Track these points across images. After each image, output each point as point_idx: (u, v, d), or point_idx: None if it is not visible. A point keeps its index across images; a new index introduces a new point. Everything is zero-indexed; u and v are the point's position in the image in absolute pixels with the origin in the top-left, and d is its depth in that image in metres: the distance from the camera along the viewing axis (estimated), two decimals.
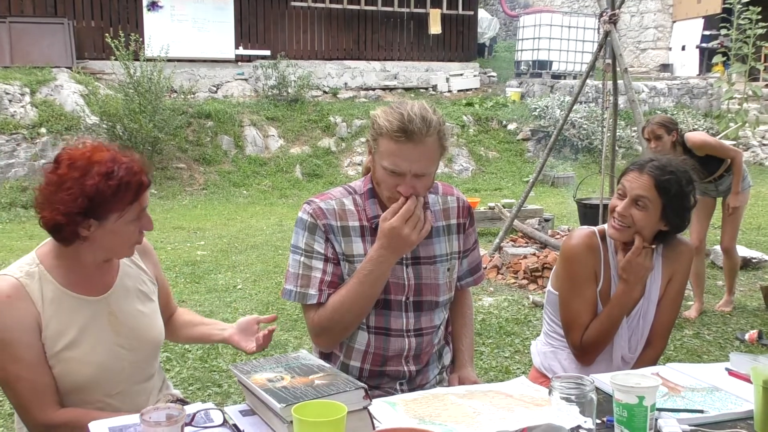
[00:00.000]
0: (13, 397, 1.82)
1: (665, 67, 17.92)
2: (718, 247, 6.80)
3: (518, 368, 4.29)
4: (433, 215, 2.14)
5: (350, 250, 2.06)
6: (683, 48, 17.78)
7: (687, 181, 2.24)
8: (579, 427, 1.57)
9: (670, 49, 18.22)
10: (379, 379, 2.14)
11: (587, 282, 2.33)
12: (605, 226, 2.39)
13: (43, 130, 10.98)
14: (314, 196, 2.15)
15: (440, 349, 2.25)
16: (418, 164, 1.92)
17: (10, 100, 11.15)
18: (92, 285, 1.90)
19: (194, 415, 1.63)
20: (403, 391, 2.13)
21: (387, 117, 1.91)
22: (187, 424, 1.53)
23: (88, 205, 1.74)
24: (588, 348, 2.33)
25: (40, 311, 1.80)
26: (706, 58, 16.47)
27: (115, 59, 11.37)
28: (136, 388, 1.97)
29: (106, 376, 1.88)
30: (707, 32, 16.39)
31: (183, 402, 1.85)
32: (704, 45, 16.64)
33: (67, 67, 12.47)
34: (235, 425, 1.63)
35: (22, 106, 11.20)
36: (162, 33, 13.21)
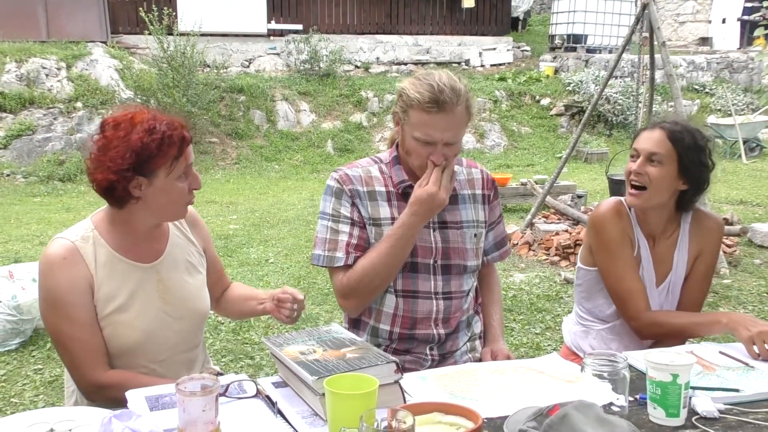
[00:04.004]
0: (66, 356, 1.87)
1: (704, 41, 17.51)
2: (756, 225, 6.70)
3: (549, 345, 4.28)
4: (459, 184, 2.18)
5: (377, 214, 2.11)
6: (724, 21, 17.34)
7: (700, 136, 2.20)
8: (611, 404, 1.56)
9: (710, 21, 17.78)
10: (409, 342, 2.16)
11: (623, 246, 2.25)
12: None
13: (79, 104, 11.12)
14: (342, 165, 2.22)
15: (469, 318, 2.27)
16: (449, 133, 1.98)
17: (46, 75, 11.31)
18: (143, 252, 1.94)
19: (228, 386, 1.66)
20: (433, 357, 2.16)
21: (417, 89, 1.96)
22: (221, 395, 1.56)
23: (136, 160, 1.79)
24: (648, 323, 2.20)
25: (93, 273, 1.85)
26: (748, 30, 16.06)
27: (149, 34, 11.45)
28: (180, 357, 2.01)
29: (151, 342, 1.92)
30: (749, 4, 15.96)
31: (219, 375, 1.88)
32: (746, 17, 16.22)
33: (102, 42, 12.59)
34: (267, 396, 1.65)
35: (59, 81, 11.35)
36: (195, 7, 13.25)
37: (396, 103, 2.06)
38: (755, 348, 1.94)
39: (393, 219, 2.10)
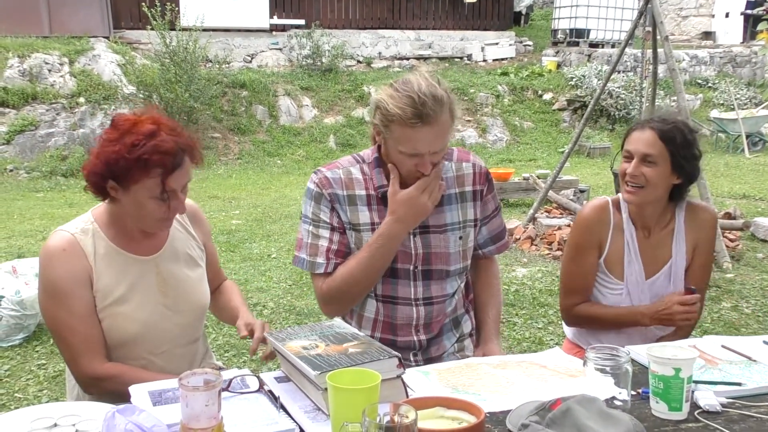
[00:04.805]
0: (64, 347, 1.88)
1: (707, 35, 17.47)
2: (759, 219, 6.69)
3: (551, 339, 4.29)
4: (446, 182, 2.09)
5: (356, 219, 2.06)
6: (727, 15, 17.30)
7: (689, 129, 2.25)
8: (614, 398, 1.56)
9: (713, 16, 17.74)
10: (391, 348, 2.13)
11: (589, 251, 2.35)
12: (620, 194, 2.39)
13: (81, 99, 11.12)
14: (323, 165, 2.15)
15: (458, 317, 2.23)
16: (436, 143, 1.90)
17: (49, 70, 11.31)
18: (142, 245, 1.95)
19: (231, 380, 1.66)
20: (417, 363, 2.13)
21: (396, 103, 1.85)
22: (223, 390, 1.56)
23: (105, 169, 1.80)
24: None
25: (92, 265, 1.86)
26: (751, 25, 16.02)
27: (152, 29, 11.44)
28: (180, 350, 2.02)
29: (151, 334, 1.93)
30: None
31: (221, 370, 1.88)
32: (749, 11, 16.17)
33: (104, 37, 12.58)
34: (270, 391, 1.66)
35: (61, 76, 11.35)
36: (197, 2, 13.22)
37: (374, 115, 1.94)
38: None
39: (373, 224, 2.04)
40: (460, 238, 2.12)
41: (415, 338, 2.12)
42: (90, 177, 1.83)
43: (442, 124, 1.88)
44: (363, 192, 2.06)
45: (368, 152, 2.12)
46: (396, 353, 1.58)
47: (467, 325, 2.27)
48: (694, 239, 2.36)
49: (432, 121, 1.85)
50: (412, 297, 2.10)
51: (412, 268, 2.08)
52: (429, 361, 2.13)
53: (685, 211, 2.36)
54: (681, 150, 2.20)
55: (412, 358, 2.14)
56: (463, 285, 2.23)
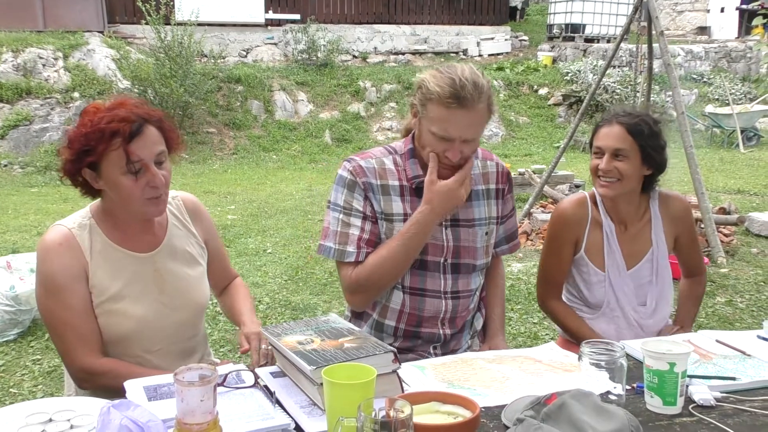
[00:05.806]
0: (59, 342, 1.88)
1: (703, 30, 17.48)
2: (753, 214, 6.70)
3: (546, 334, 4.30)
4: (473, 179, 2.12)
5: (389, 209, 2.06)
6: (722, 10, 17.31)
7: (654, 121, 2.30)
8: (608, 392, 1.57)
9: (708, 10, 17.75)
10: (414, 340, 2.15)
11: (565, 246, 2.39)
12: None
13: (76, 94, 11.08)
14: (354, 154, 2.15)
15: (473, 315, 2.26)
16: (468, 130, 1.91)
17: (44, 65, 11.26)
18: (139, 242, 1.94)
19: (226, 375, 1.66)
20: (436, 355, 2.14)
21: (437, 82, 1.89)
22: (219, 385, 1.56)
23: (72, 152, 1.80)
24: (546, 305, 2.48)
25: (88, 260, 1.86)
26: (746, 20, 16.04)
27: (146, 23, 11.40)
28: (175, 348, 2.01)
29: (147, 331, 1.92)
30: None
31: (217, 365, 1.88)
32: (744, 6, 16.19)
33: (98, 32, 12.53)
34: (266, 386, 1.66)
35: (56, 71, 11.30)
36: None
37: (414, 95, 1.98)
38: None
39: (405, 214, 2.05)
40: (486, 233, 2.16)
41: (440, 331, 2.14)
42: (65, 166, 1.83)
43: (478, 112, 1.90)
44: (396, 182, 2.07)
45: (400, 144, 2.14)
46: (392, 348, 1.58)
47: (479, 323, 2.31)
48: (675, 231, 2.42)
49: (468, 105, 1.87)
50: (442, 290, 2.11)
51: (442, 260, 2.10)
52: (445, 355, 2.14)
53: (658, 201, 2.41)
54: (649, 141, 2.26)
55: (432, 351, 2.16)
56: (482, 283, 2.26)
